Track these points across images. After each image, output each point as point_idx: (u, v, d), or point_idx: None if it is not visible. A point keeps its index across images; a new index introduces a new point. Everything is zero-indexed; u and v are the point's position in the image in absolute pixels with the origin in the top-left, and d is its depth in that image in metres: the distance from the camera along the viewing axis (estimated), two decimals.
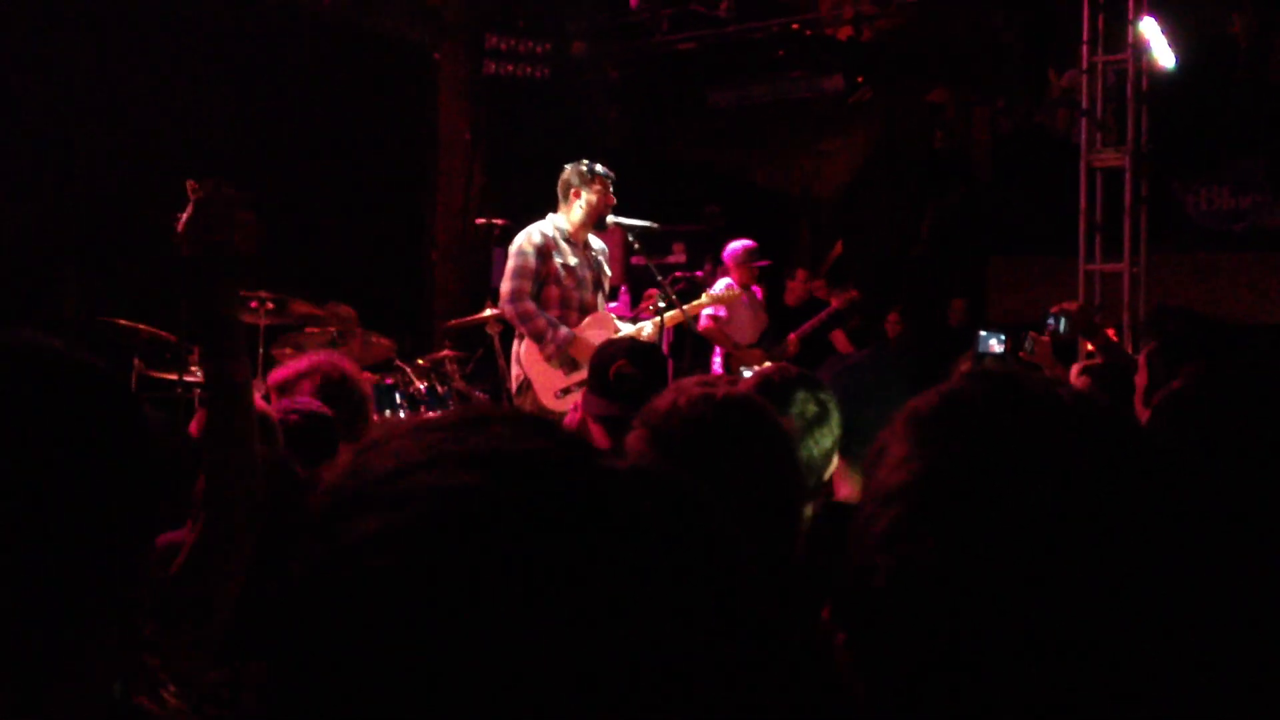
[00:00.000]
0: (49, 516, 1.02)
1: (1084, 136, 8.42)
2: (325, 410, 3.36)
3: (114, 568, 1.06)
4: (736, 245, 8.18)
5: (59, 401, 1.06)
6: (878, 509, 0.90)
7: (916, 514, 0.88)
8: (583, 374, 6.10)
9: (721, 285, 8.01)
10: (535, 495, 0.66)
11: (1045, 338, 4.89)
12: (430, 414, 6.69)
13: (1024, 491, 0.86)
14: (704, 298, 7.28)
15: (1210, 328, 3.65)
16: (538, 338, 6.09)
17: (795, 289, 9.24)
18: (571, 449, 0.71)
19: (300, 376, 3.67)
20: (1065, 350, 6.07)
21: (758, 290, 8.39)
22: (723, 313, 7.96)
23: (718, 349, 8.14)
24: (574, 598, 0.63)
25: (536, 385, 6.17)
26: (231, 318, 1.89)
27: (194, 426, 3.51)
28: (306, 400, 3.43)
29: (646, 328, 6.39)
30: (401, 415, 6.75)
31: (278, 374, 3.78)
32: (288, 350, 6.67)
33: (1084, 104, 8.40)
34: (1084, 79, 8.42)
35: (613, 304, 6.90)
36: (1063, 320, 4.85)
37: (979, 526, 0.86)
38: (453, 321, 7.83)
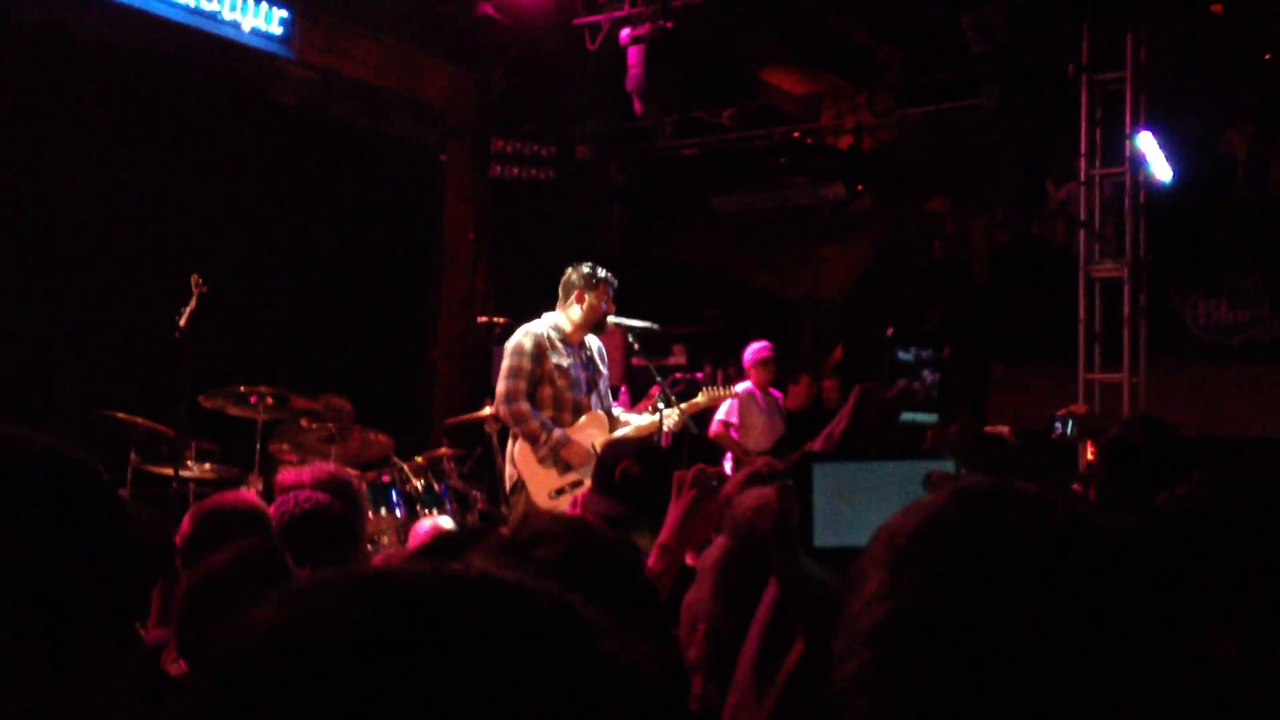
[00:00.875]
0: (20, 601, 1.02)
1: (1082, 248, 8.50)
2: (334, 504, 3.36)
3: (89, 649, 1.06)
4: (755, 347, 8.20)
5: (36, 493, 1.07)
6: (850, 648, 0.83)
7: (885, 663, 0.81)
8: (575, 475, 6.09)
9: (741, 388, 8.00)
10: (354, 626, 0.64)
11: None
12: (426, 512, 6.65)
13: (1001, 644, 0.78)
14: (700, 397, 7.25)
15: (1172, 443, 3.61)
16: (531, 439, 6.08)
17: (798, 394, 9.26)
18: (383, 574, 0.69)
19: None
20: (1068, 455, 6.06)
21: (776, 394, 8.39)
22: (734, 418, 7.94)
23: (728, 454, 8.12)
24: None
25: (530, 485, 6.14)
26: None
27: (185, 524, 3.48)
28: (311, 494, 3.42)
29: (635, 420, 6.39)
30: (398, 514, 6.69)
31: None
32: (285, 445, 6.65)
33: (1082, 215, 8.49)
34: (1082, 191, 8.52)
35: (613, 403, 6.89)
36: (1070, 423, 4.84)
37: (951, 679, 0.78)
38: (451, 419, 7.82)
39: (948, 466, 1.29)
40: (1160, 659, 0.81)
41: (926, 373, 1.52)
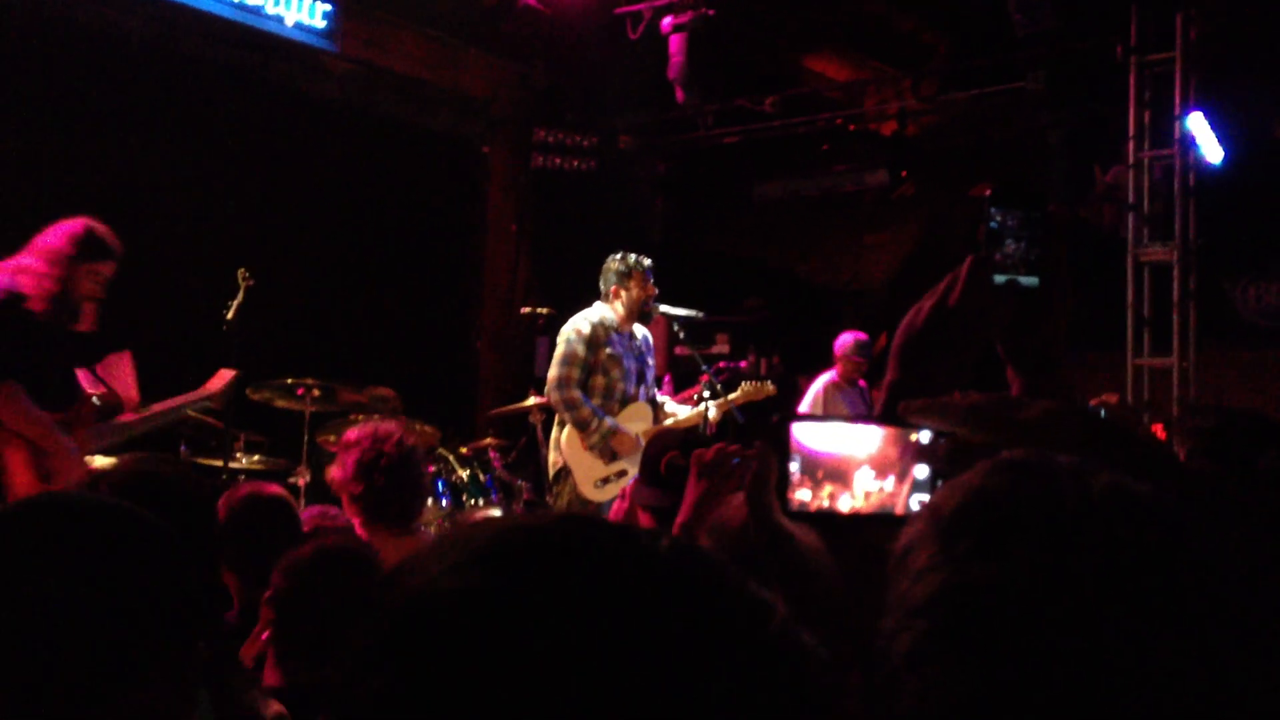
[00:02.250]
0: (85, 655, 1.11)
1: (1131, 231, 8.39)
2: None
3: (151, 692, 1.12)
4: (845, 338, 8.14)
5: (103, 553, 1.18)
6: (902, 623, 0.84)
7: (941, 633, 0.81)
8: (621, 465, 6.09)
9: (825, 379, 7.94)
10: (527, 592, 0.65)
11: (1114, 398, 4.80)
12: (472, 502, 6.68)
13: (1059, 611, 0.79)
14: (738, 391, 7.21)
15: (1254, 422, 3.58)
16: (582, 426, 6.09)
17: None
18: (586, 529, 0.70)
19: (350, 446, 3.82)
20: None
21: (863, 384, 8.31)
22: (818, 410, 7.90)
23: None
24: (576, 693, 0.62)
25: (576, 474, 6.15)
26: None
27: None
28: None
29: (681, 411, 6.39)
30: (444, 504, 6.72)
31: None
32: (332, 437, 6.69)
33: (1131, 199, 8.38)
34: (1130, 174, 8.41)
35: (662, 393, 6.88)
36: (1102, 413, 4.77)
37: (1009, 650, 0.79)
38: (496, 410, 7.84)
39: (923, 435, 1.24)
40: (1223, 632, 0.80)
41: (1010, 242, 1.42)
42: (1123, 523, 0.82)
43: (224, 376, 5.10)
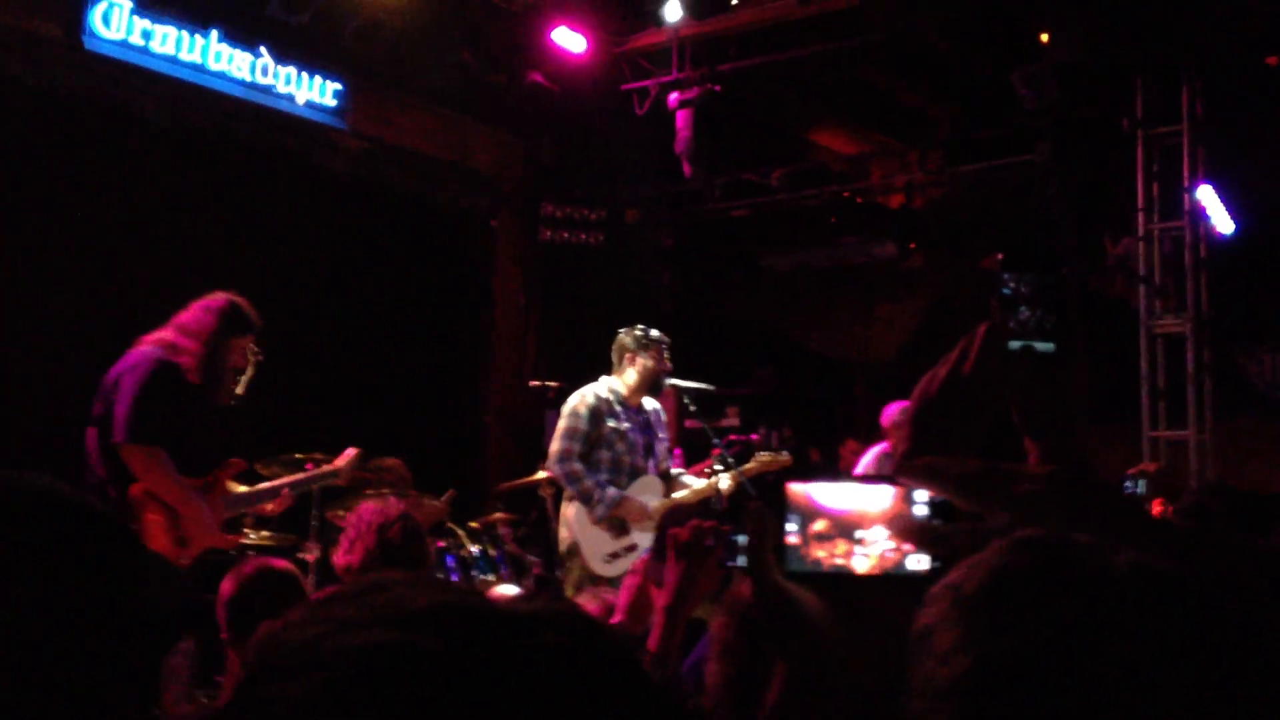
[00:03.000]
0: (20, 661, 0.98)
1: (1143, 303, 8.38)
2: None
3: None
4: (892, 409, 8.11)
5: (50, 543, 1.04)
6: (931, 705, 0.83)
7: (971, 717, 0.81)
8: (630, 539, 6.02)
9: (872, 454, 7.89)
10: (446, 647, 0.67)
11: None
12: (482, 577, 6.60)
13: (1087, 692, 0.78)
14: (753, 462, 7.14)
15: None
16: (585, 499, 6.04)
17: (845, 456, 9.15)
18: (470, 600, 0.72)
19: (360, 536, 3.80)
20: None
21: None
22: None
23: None
24: None
25: (584, 549, 6.09)
26: None
27: (225, 587, 3.51)
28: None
29: (693, 483, 6.33)
30: (454, 578, 6.64)
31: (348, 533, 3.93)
32: (341, 512, 6.63)
33: (1142, 270, 8.37)
34: (1141, 245, 8.41)
35: (674, 466, 6.83)
36: (1140, 483, 4.72)
37: None
38: (505, 484, 7.79)
39: (919, 500, 1.23)
40: (1246, 701, 0.80)
41: (1023, 309, 1.41)
42: (1147, 601, 0.82)
43: (349, 454, 5.34)
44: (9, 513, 1.03)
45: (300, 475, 5.42)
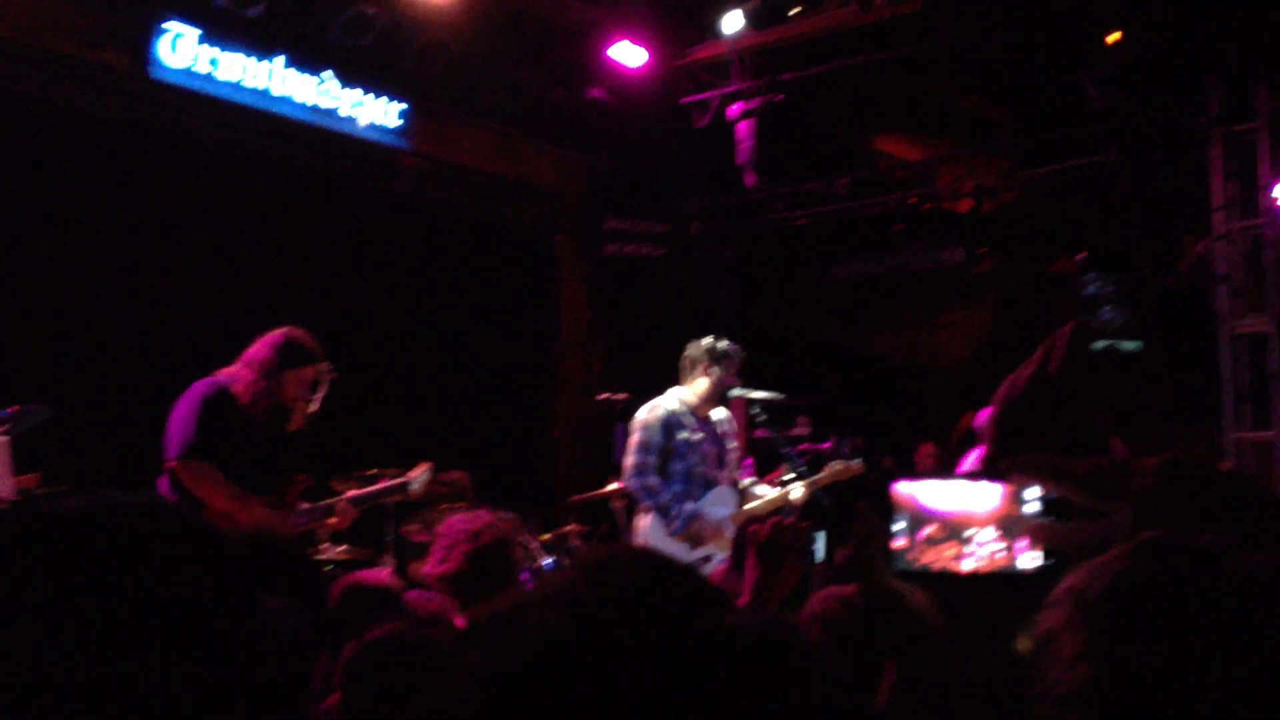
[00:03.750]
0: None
1: (1223, 303, 8.21)
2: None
3: None
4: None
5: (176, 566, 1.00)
6: (1055, 712, 0.82)
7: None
8: (706, 550, 5.98)
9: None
10: (625, 643, 0.66)
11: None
12: None
13: (1216, 696, 0.77)
14: (826, 470, 7.07)
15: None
16: (661, 513, 6.02)
17: (923, 461, 9.05)
18: (691, 599, 0.71)
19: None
20: None
21: None
22: None
23: None
24: None
25: None
26: None
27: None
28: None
29: (765, 493, 6.29)
30: None
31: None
32: (416, 526, 6.66)
33: (1221, 270, 8.21)
34: (1219, 245, 8.25)
35: (745, 477, 6.79)
36: None
37: None
38: (576, 496, 7.79)
39: (1032, 498, 1.19)
40: None
41: (1106, 310, 1.39)
42: (1274, 605, 0.81)
43: (422, 468, 5.47)
44: (131, 537, 1.01)
45: (369, 489, 5.52)
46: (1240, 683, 0.77)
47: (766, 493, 6.43)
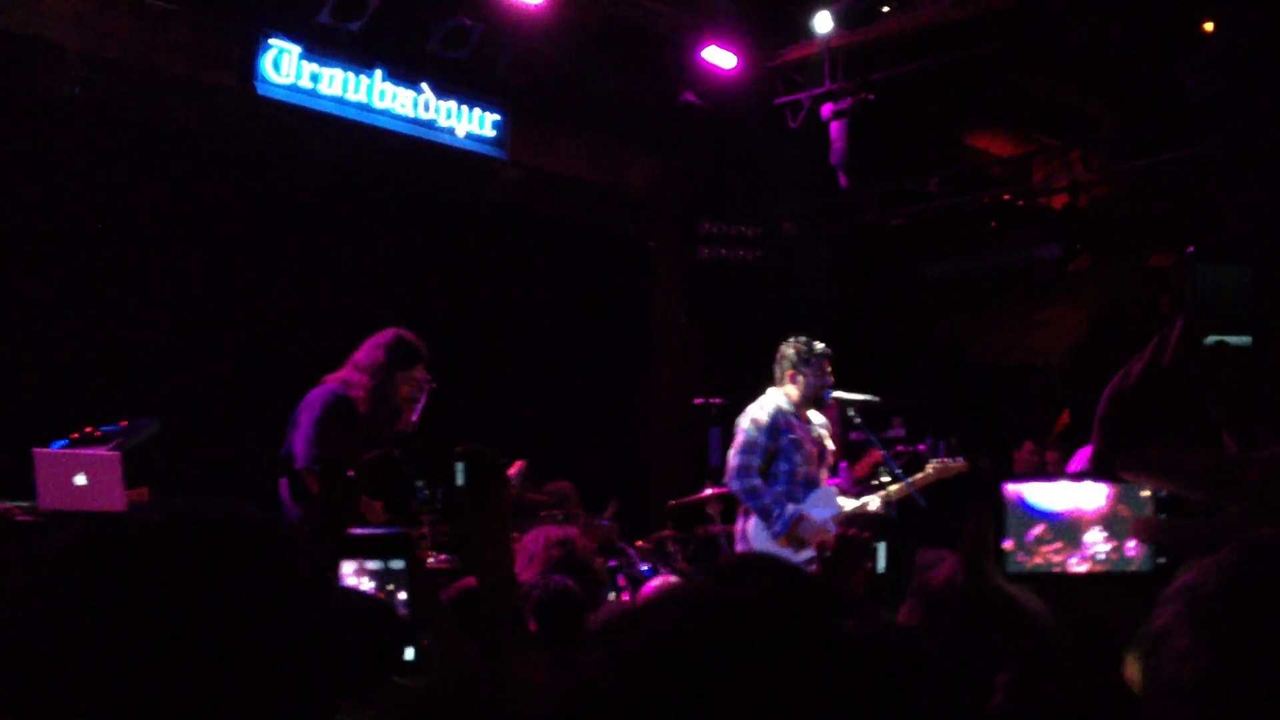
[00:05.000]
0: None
1: None
2: (570, 584, 3.54)
3: None
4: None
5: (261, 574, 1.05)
6: (1169, 706, 0.84)
7: (1210, 716, 0.81)
8: (810, 553, 6.00)
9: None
10: (747, 644, 0.68)
11: None
12: None
13: None
14: (928, 469, 7.05)
15: None
16: (764, 515, 6.04)
17: (1023, 460, 8.96)
18: (811, 604, 0.73)
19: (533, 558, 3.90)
20: None
21: None
22: None
23: None
24: None
25: None
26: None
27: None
28: (558, 578, 3.68)
29: (873, 501, 6.28)
30: (625, 598, 6.72)
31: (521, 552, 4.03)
32: (515, 535, 6.76)
33: None
34: None
35: (835, 478, 6.80)
36: None
37: None
38: (674, 501, 7.84)
39: (1141, 497, 1.18)
40: None
41: (1217, 301, 1.36)
42: None
43: (517, 466, 5.49)
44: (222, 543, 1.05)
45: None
46: None
47: (849, 504, 6.42)
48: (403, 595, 1.76)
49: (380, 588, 1.78)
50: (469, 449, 1.89)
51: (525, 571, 3.97)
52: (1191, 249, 1.34)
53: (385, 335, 5.21)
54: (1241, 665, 0.81)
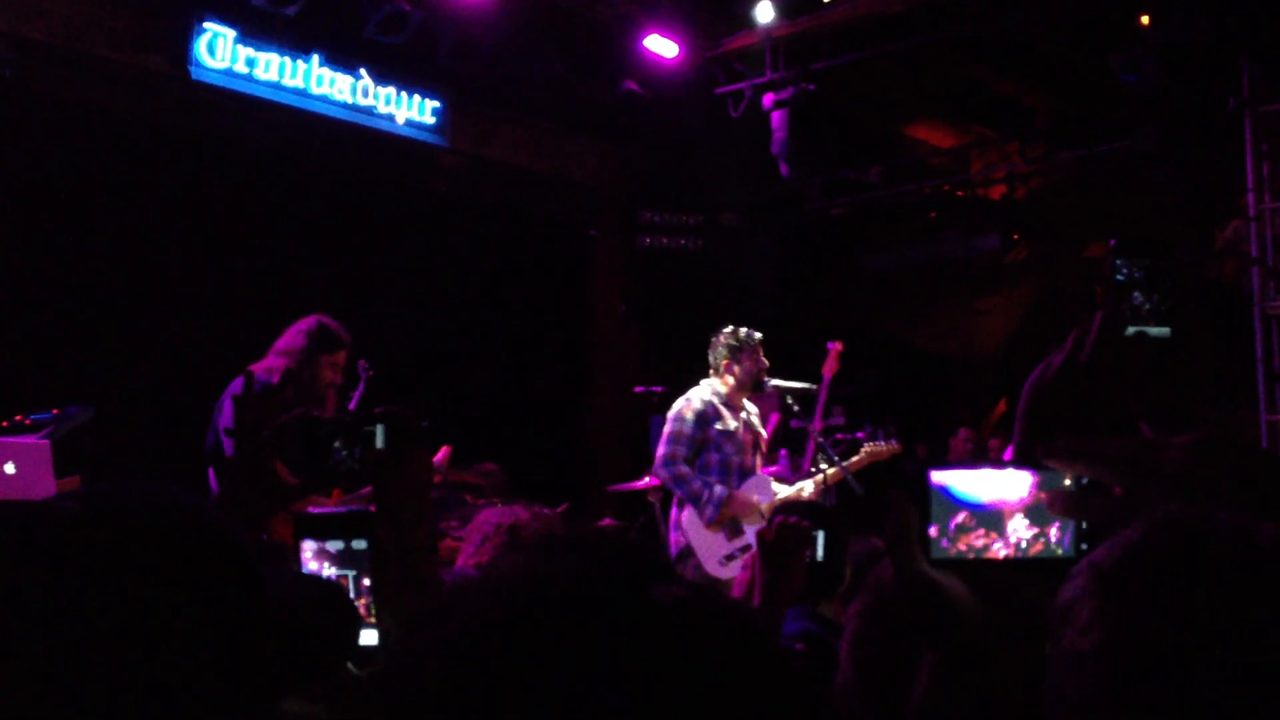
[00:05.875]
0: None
1: (1256, 285, 8.16)
2: None
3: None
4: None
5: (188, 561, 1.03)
6: (1067, 672, 0.86)
7: (1104, 686, 0.83)
8: (745, 539, 6.02)
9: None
10: (552, 627, 0.68)
11: None
12: None
13: (1217, 669, 0.79)
14: (862, 453, 7.08)
15: None
16: (693, 500, 6.06)
17: (958, 447, 9.05)
18: (617, 575, 0.73)
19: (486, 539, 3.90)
20: None
21: None
22: None
23: None
24: None
25: (699, 552, 6.10)
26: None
27: None
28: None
29: (807, 487, 6.31)
30: None
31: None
32: (454, 522, 6.73)
33: (1254, 252, 8.16)
34: (1252, 226, 8.20)
35: (774, 467, 6.83)
36: None
37: (1173, 705, 0.80)
38: (613, 489, 7.84)
39: (1057, 481, 1.20)
40: None
41: (1137, 295, 1.38)
42: None
43: (443, 452, 5.44)
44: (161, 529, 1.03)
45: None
46: (1250, 663, 0.79)
47: (783, 490, 6.45)
48: (367, 581, 1.72)
49: (342, 572, 1.74)
50: (389, 410, 1.87)
51: (479, 554, 3.96)
52: (1113, 242, 1.36)
53: (307, 321, 5.18)
54: (1136, 637, 0.83)
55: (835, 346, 7.28)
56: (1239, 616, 0.81)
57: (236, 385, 4.89)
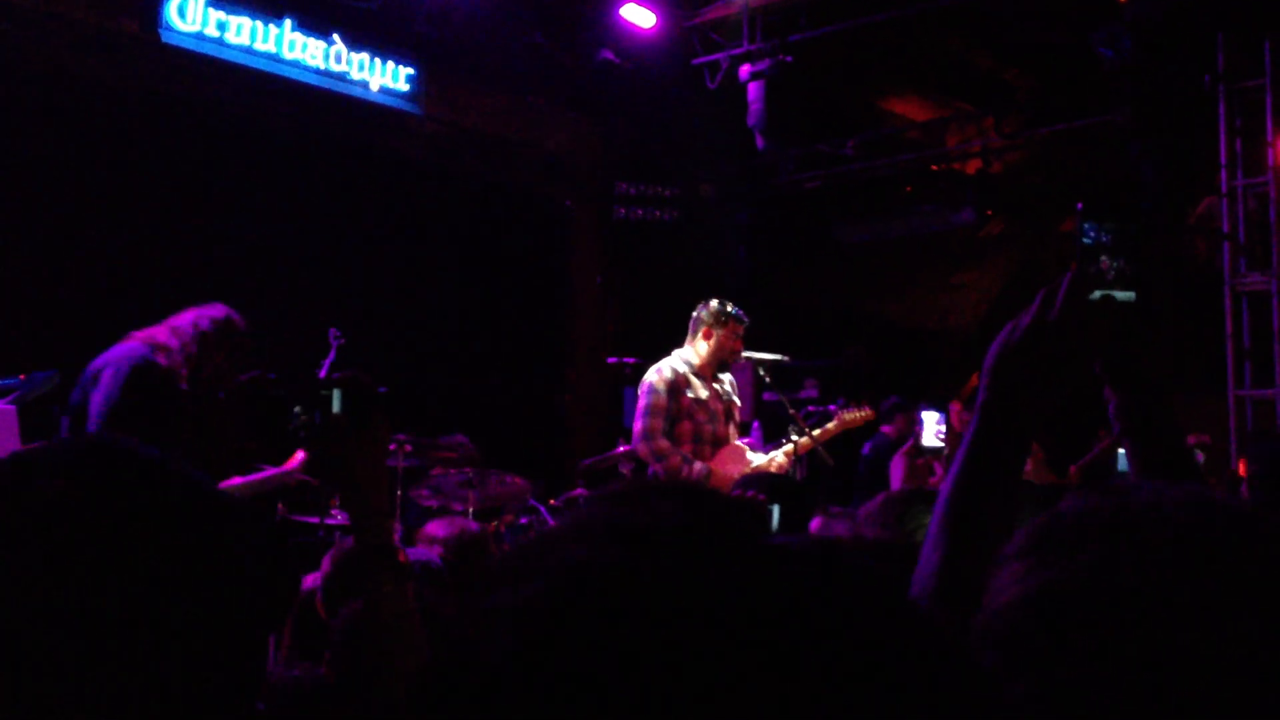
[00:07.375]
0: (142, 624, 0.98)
1: (1227, 261, 8.20)
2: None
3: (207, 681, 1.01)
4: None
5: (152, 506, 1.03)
6: (992, 619, 0.89)
7: (1023, 635, 0.86)
8: None
9: None
10: (673, 573, 0.61)
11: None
12: None
13: (1126, 629, 0.82)
14: (832, 422, 7.05)
15: None
16: (673, 476, 6.05)
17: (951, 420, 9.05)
18: (731, 525, 0.66)
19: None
20: None
21: None
22: None
23: None
24: (703, 686, 0.58)
25: None
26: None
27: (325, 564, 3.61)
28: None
29: (778, 457, 6.32)
30: None
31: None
32: (424, 492, 6.74)
33: (1225, 228, 8.20)
34: (1224, 203, 8.24)
35: (746, 438, 6.83)
36: (1199, 455, 4.65)
37: (1079, 659, 0.83)
38: (587, 460, 7.85)
39: None
40: None
41: (1103, 258, 1.40)
42: (1198, 539, 0.85)
43: (298, 458, 5.11)
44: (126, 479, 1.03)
45: (257, 477, 5.19)
46: (1158, 617, 0.82)
47: (759, 459, 6.45)
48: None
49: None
50: (346, 376, 1.87)
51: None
52: (1080, 205, 1.37)
53: (210, 308, 4.94)
54: (1045, 595, 0.86)
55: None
56: (1149, 574, 0.83)
57: (115, 352, 4.68)
